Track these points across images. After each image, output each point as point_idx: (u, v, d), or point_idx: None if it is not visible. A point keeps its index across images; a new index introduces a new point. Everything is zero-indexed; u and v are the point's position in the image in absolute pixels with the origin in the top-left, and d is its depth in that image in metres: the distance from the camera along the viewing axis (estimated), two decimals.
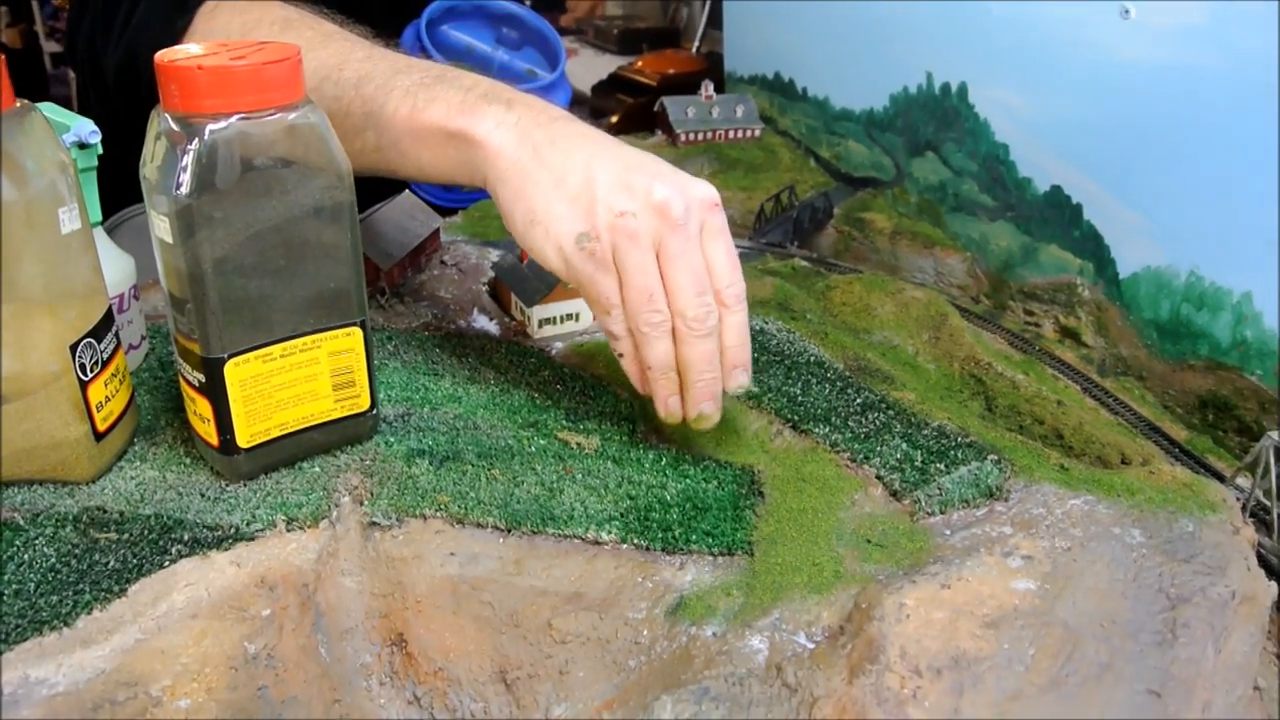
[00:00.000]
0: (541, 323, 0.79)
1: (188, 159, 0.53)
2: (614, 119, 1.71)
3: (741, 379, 0.63)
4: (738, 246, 0.87)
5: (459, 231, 0.99)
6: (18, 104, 0.55)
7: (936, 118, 1.11)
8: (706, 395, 0.62)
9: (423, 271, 0.86)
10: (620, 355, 0.64)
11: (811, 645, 0.50)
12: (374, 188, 0.79)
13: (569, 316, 0.79)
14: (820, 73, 1.30)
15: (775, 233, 1.12)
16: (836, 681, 0.47)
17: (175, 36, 0.85)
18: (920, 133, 1.14)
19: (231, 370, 0.57)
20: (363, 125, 0.71)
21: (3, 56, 0.54)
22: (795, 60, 1.35)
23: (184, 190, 0.53)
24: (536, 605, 0.54)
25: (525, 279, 0.80)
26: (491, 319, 0.82)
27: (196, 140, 0.53)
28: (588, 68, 1.87)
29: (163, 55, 0.55)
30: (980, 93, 1.06)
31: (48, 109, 0.67)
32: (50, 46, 4.18)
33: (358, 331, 0.61)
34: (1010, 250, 1.04)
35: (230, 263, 0.56)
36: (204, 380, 0.57)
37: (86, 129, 0.65)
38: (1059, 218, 0.98)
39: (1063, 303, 0.98)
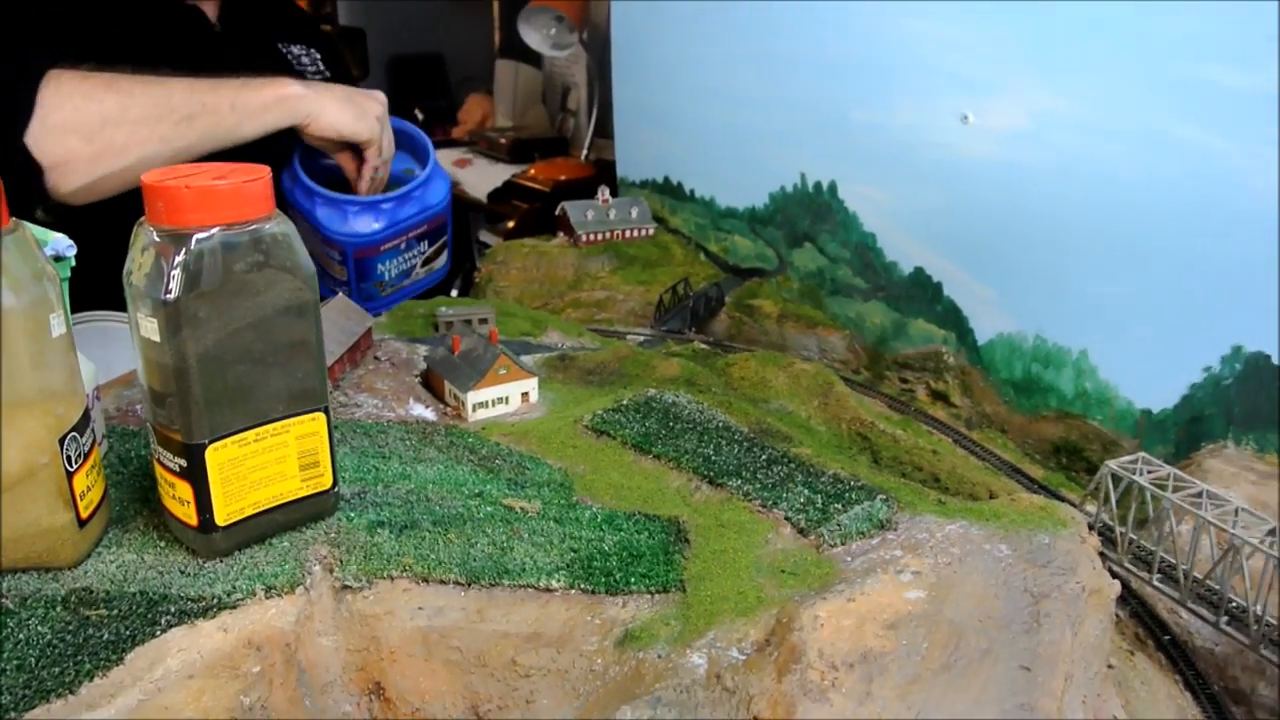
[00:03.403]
0: (475, 407, 0.87)
1: (176, 265, 0.60)
2: (511, 224, 1.81)
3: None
4: (640, 334, 1.02)
5: (385, 330, 1.06)
6: (10, 221, 0.62)
7: (811, 212, 1.25)
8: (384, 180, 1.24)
9: (359, 366, 0.93)
10: (375, 173, 1.20)
11: (743, 657, 0.58)
12: None
13: (499, 400, 0.88)
14: (706, 176, 1.44)
15: (674, 320, 1.23)
16: (768, 681, 0.55)
17: (29, 106, 1.00)
18: (798, 226, 1.27)
19: (211, 455, 0.64)
20: (220, 118, 1.08)
21: None
22: (682, 165, 1.48)
23: (173, 293, 0.60)
24: (500, 646, 0.61)
25: (458, 368, 0.88)
26: (427, 407, 0.89)
27: (184, 249, 0.60)
28: (483, 177, 1.97)
29: (150, 176, 0.62)
30: (848, 189, 1.20)
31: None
32: None
33: (322, 416, 0.68)
34: (883, 326, 1.17)
35: (212, 356, 0.63)
36: (185, 465, 0.63)
37: (63, 244, 0.71)
38: (923, 295, 1.12)
39: (932, 369, 1.10)
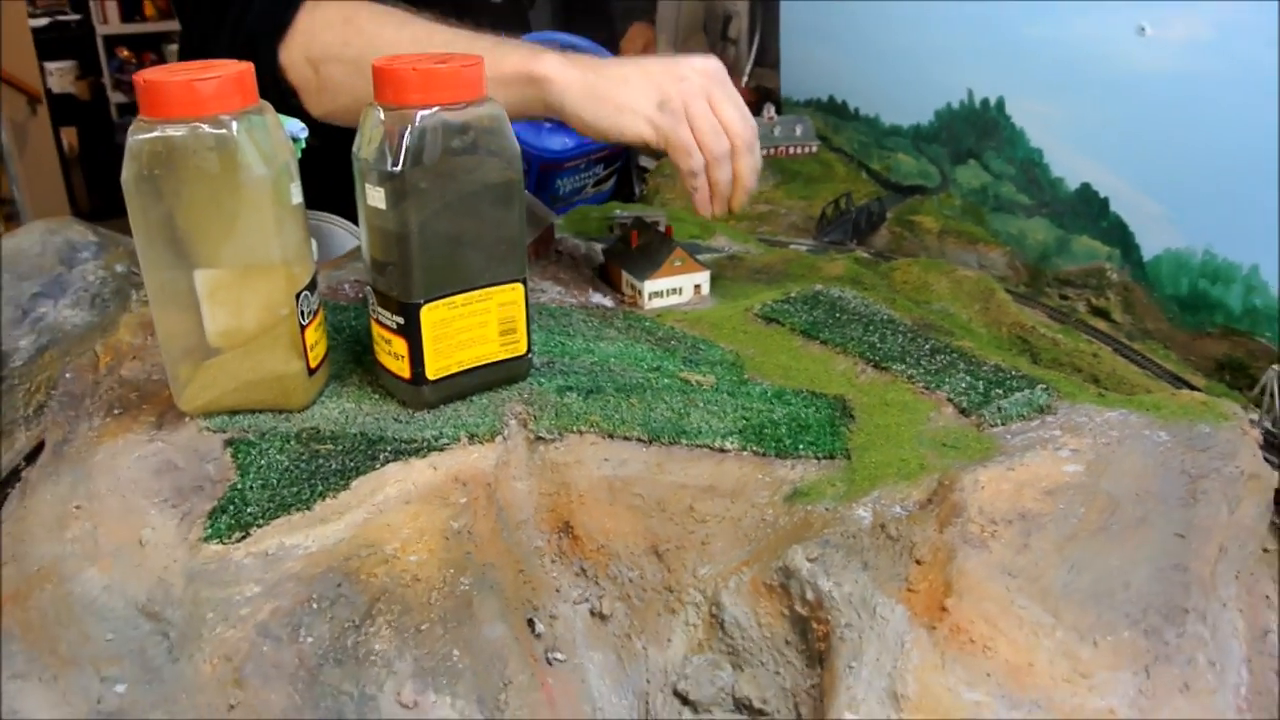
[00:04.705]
0: (651, 295, 0.92)
1: (403, 139, 0.67)
2: None
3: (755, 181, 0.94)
4: (803, 244, 1.05)
5: (562, 230, 1.13)
6: (259, 101, 0.70)
7: (977, 129, 1.25)
8: (751, 189, 0.93)
9: (542, 259, 1.00)
10: (695, 189, 0.90)
11: (906, 513, 0.62)
12: None
13: (673, 291, 0.93)
14: (870, 94, 1.45)
15: (836, 233, 1.26)
16: (930, 532, 0.59)
17: (284, 27, 1.01)
18: (963, 143, 1.28)
19: (426, 313, 0.71)
20: None
21: (251, 64, 0.69)
22: (847, 84, 1.49)
23: (399, 165, 0.67)
24: (679, 495, 0.67)
25: (635, 259, 0.94)
26: (605, 295, 0.95)
27: (410, 125, 0.68)
28: None
29: (379, 62, 0.69)
30: (1017, 105, 1.20)
31: None
32: (116, 97, 4.41)
33: (520, 287, 0.75)
34: (1046, 243, 1.18)
35: (429, 225, 0.70)
36: (403, 322, 0.71)
37: (296, 126, 0.79)
38: (1088, 211, 1.12)
39: (1094, 286, 1.11)
